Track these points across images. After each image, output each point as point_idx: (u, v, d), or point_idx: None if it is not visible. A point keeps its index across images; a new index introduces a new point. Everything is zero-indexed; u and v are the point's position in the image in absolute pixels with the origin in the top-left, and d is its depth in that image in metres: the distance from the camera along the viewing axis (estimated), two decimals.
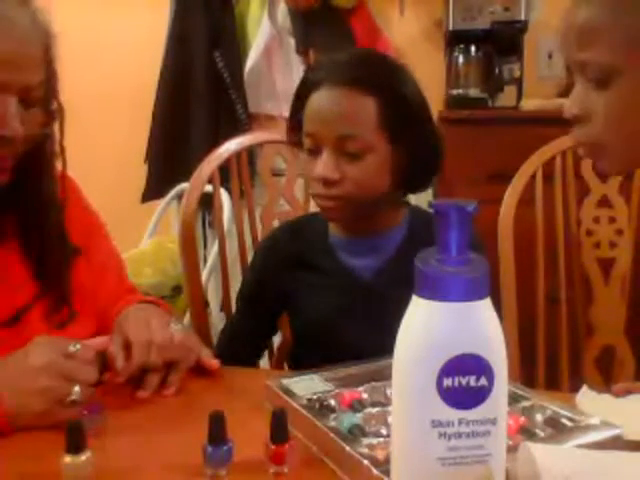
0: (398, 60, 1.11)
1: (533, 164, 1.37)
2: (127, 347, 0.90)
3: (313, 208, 1.44)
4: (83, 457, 0.66)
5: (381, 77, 1.06)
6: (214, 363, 0.97)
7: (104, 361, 0.89)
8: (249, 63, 2.62)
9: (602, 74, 0.81)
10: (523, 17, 2.40)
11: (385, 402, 0.79)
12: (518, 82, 2.48)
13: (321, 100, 1.05)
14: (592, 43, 0.80)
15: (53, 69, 0.91)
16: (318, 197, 1.08)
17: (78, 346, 0.83)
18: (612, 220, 1.39)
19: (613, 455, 0.63)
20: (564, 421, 0.74)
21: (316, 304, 1.15)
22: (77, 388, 0.79)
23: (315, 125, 1.06)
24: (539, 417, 0.76)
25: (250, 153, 1.63)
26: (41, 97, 0.89)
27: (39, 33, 0.88)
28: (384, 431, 0.73)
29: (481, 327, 0.50)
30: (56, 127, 0.94)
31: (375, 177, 1.06)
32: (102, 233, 1.13)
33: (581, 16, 0.82)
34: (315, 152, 1.06)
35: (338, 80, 1.04)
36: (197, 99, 2.60)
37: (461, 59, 2.50)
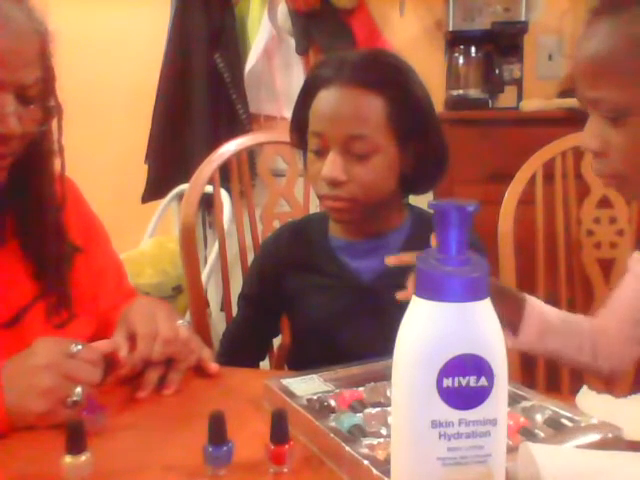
0: (406, 61, 1.10)
1: (533, 164, 1.37)
2: (132, 338, 0.90)
3: (313, 209, 1.44)
4: (83, 457, 0.66)
5: (391, 78, 1.05)
6: (213, 367, 0.97)
7: (109, 364, 0.88)
8: (249, 63, 2.62)
9: (615, 112, 0.79)
10: (523, 17, 2.40)
11: (385, 402, 0.79)
12: (518, 83, 2.49)
13: (330, 99, 1.04)
14: (602, 81, 0.79)
15: (50, 67, 0.90)
16: (325, 198, 1.07)
17: (80, 346, 0.82)
18: (612, 220, 1.39)
19: (613, 455, 0.63)
20: (564, 421, 0.74)
21: (317, 306, 1.15)
22: (79, 389, 0.79)
23: (323, 124, 1.05)
24: (539, 417, 0.76)
25: (250, 153, 1.63)
26: (38, 95, 0.88)
27: (35, 30, 0.87)
28: (384, 431, 0.73)
29: (481, 327, 0.50)
30: (54, 126, 0.94)
31: (382, 179, 1.05)
32: (101, 236, 1.12)
33: (590, 52, 0.80)
34: (321, 152, 1.06)
35: (349, 79, 1.03)
36: (197, 99, 2.60)
37: (461, 60, 2.50)
